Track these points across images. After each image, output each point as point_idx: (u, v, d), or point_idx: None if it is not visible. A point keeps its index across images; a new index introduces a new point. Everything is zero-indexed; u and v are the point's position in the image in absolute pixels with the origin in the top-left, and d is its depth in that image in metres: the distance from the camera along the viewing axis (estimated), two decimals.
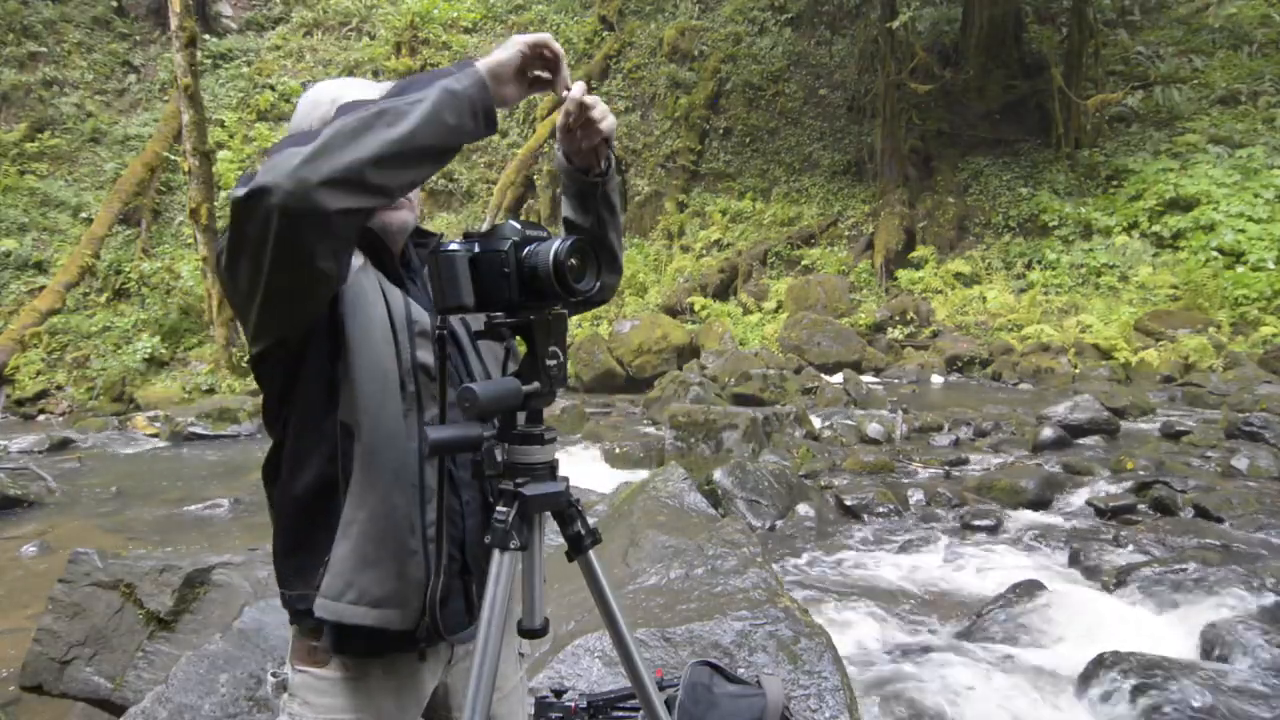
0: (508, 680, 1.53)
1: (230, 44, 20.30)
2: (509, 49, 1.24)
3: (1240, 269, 12.22)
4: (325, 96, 1.41)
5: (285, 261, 1.16)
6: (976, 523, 5.51)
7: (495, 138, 18.26)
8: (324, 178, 1.12)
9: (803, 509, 5.72)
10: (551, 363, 1.26)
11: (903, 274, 14.41)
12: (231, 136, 18.41)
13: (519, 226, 1.25)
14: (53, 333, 14.40)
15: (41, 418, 12.99)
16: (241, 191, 1.13)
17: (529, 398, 1.25)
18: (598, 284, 1.26)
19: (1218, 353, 10.71)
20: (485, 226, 1.29)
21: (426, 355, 1.36)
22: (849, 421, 8.35)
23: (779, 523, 5.63)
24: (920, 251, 14.62)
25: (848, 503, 5.90)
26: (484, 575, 1.30)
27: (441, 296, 1.24)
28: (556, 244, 1.21)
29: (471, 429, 1.22)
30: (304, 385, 1.32)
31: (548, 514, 1.34)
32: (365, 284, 1.34)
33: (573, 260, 1.21)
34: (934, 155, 16.31)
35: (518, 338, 1.31)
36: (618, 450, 7.74)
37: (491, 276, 1.22)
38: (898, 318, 13.33)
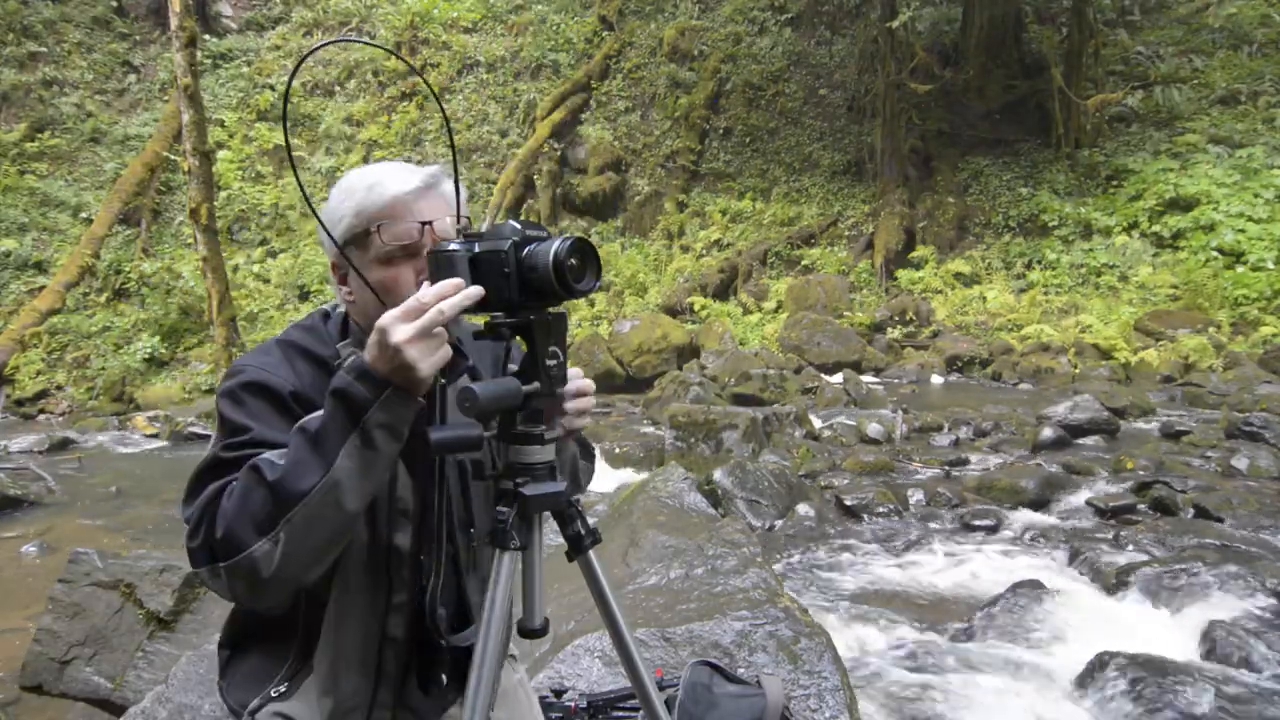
0: (502, 682, 1.52)
1: (230, 44, 20.30)
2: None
3: (1240, 269, 12.22)
4: (360, 184, 1.33)
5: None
6: (976, 523, 5.51)
7: (495, 137, 18.27)
8: (296, 575, 1.12)
9: (803, 509, 5.72)
10: (551, 363, 1.26)
11: (903, 274, 14.41)
12: (231, 136, 18.41)
13: (518, 226, 1.25)
14: (53, 333, 14.41)
15: (41, 418, 12.99)
16: (217, 589, 1.14)
17: (528, 398, 1.25)
18: (597, 284, 1.26)
19: (1218, 353, 10.71)
20: (485, 226, 1.27)
21: (404, 540, 1.32)
22: (849, 421, 8.34)
23: (779, 523, 5.63)
24: (920, 251, 14.62)
25: (848, 503, 5.90)
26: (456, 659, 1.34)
27: None
28: (556, 244, 1.21)
29: (472, 429, 1.22)
30: None
31: (548, 514, 1.34)
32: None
33: (572, 260, 1.21)
34: (934, 155, 16.31)
35: (517, 338, 1.31)
36: (618, 450, 7.74)
37: (491, 276, 1.22)
38: (898, 318, 13.32)
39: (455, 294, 1.12)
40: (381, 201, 1.29)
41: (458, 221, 1.29)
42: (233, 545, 1.09)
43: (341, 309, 1.41)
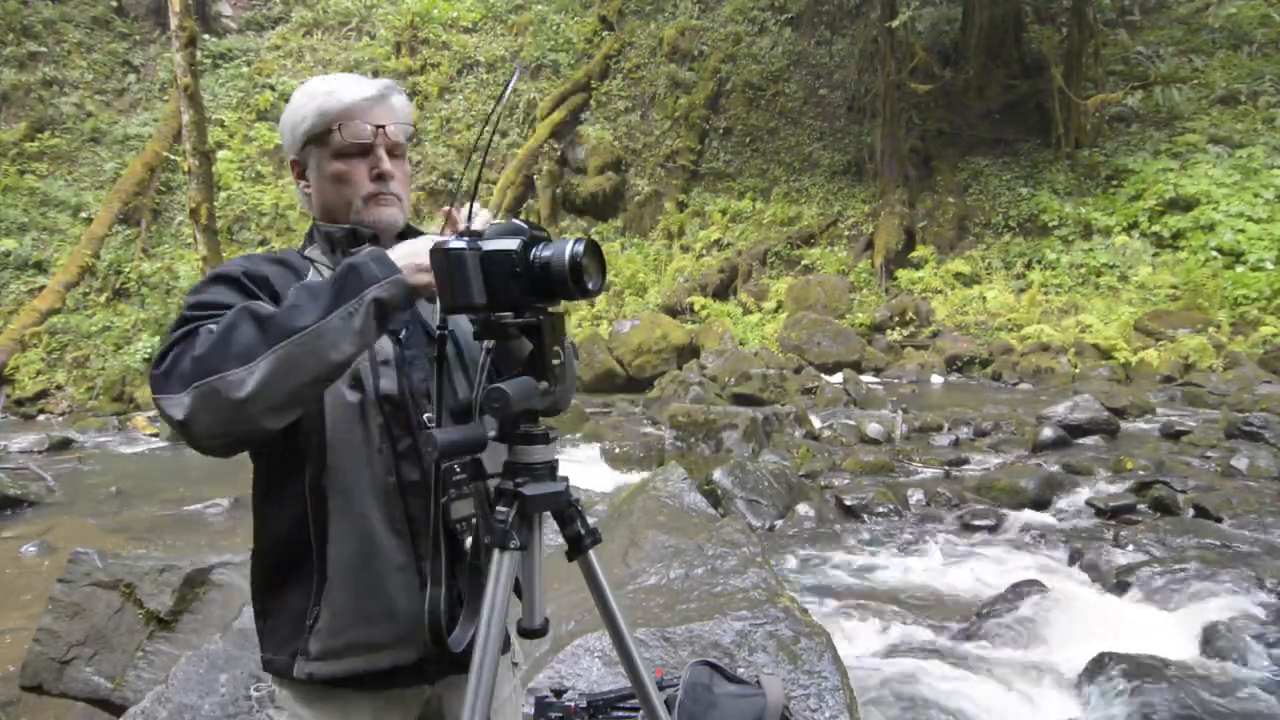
0: (499, 691, 1.47)
1: (230, 44, 20.31)
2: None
3: (1240, 269, 12.22)
4: (322, 89, 1.43)
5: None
6: (976, 523, 5.51)
7: (495, 137, 18.28)
8: (263, 411, 1.15)
9: (803, 509, 5.72)
10: (555, 362, 1.27)
11: (903, 274, 14.41)
12: (231, 136, 18.41)
13: (524, 225, 1.25)
14: (53, 333, 14.41)
15: (41, 418, 12.99)
16: (176, 414, 1.14)
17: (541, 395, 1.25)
18: (603, 283, 1.27)
19: (1218, 353, 10.71)
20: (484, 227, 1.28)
21: (390, 384, 1.35)
22: (849, 421, 8.34)
23: (779, 523, 5.63)
24: (920, 251, 14.62)
25: (848, 503, 5.90)
26: (471, 590, 1.29)
27: (451, 295, 1.22)
28: (570, 244, 1.21)
29: (475, 430, 1.22)
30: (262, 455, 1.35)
31: (548, 514, 1.34)
32: None
33: (585, 259, 1.21)
34: (934, 155, 16.31)
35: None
36: (618, 450, 7.74)
37: (501, 276, 1.21)
38: (898, 318, 13.32)
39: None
40: (342, 104, 1.41)
41: (469, 221, 1.29)
42: (208, 368, 1.12)
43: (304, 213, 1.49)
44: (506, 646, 1.47)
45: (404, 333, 1.39)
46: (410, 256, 1.21)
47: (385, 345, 1.36)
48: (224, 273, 1.33)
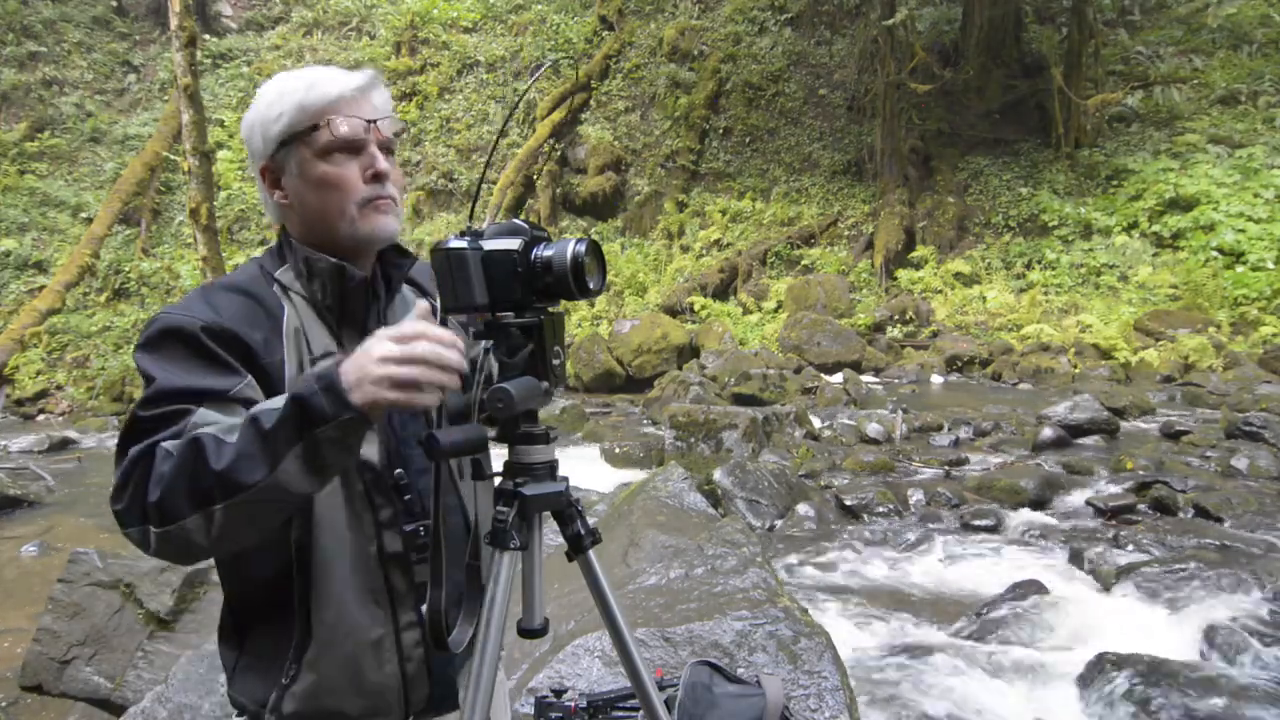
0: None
1: (230, 44, 20.31)
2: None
3: (1240, 269, 12.22)
4: (299, 83, 1.28)
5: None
6: (976, 522, 5.51)
7: (495, 137, 18.27)
8: (228, 548, 1.12)
9: (803, 509, 5.72)
10: (555, 362, 1.27)
11: (902, 274, 14.41)
12: (231, 136, 18.38)
13: (525, 225, 1.25)
14: (53, 332, 14.40)
15: (41, 418, 12.99)
16: (144, 549, 1.09)
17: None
18: (604, 284, 1.27)
19: (1217, 353, 10.71)
20: (485, 226, 1.27)
21: (370, 450, 1.24)
22: (849, 421, 8.34)
23: (779, 523, 5.63)
24: (920, 251, 14.62)
25: (848, 503, 5.90)
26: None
27: (453, 296, 1.21)
28: (572, 244, 1.21)
29: (476, 430, 1.22)
30: None
31: (548, 514, 1.34)
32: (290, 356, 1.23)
33: (587, 259, 1.21)
34: (934, 155, 16.31)
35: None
36: (618, 450, 7.74)
37: (502, 276, 1.21)
38: (898, 318, 13.32)
39: (453, 353, 1.05)
40: (328, 97, 1.26)
41: (470, 220, 1.29)
42: (166, 514, 1.05)
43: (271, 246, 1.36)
44: None
45: None
46: (362, 372, 1.02)
47: None
48: (180, 326, 1.17)
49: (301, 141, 1.27)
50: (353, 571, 1.24)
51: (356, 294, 1.30)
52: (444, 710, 1.37)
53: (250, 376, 1.18)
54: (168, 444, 1.07)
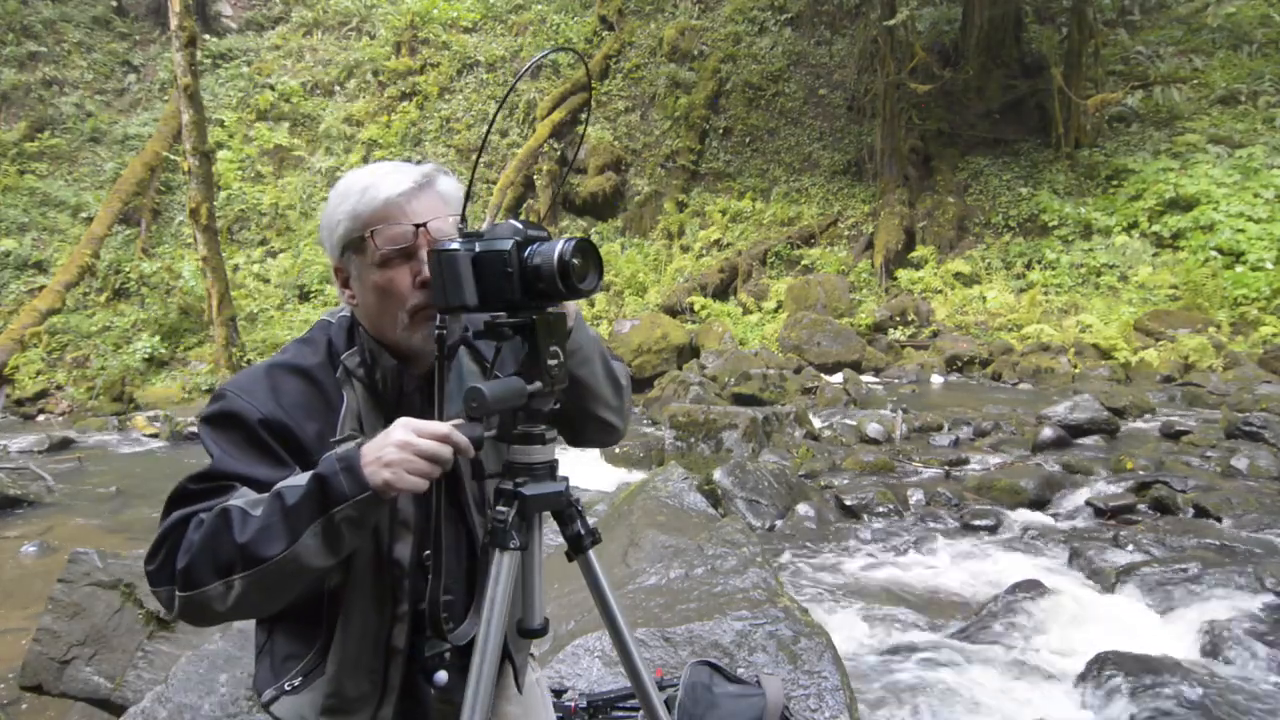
0: (526, 676, 1.54)
1: (230, 44, 20.30)
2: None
3: (1240, 269, 12.21)
4: (355, 188, 1.31)
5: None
6: (976, 523, 5.51)
7: (495, 137, 18.28)
8: (246, 616, 1.24)
9: (803, 509, 5.72)
10: (552, 362, 1.26)
11: (903, 274, 14.41)
12: (231, 136, 18.41)
13: (520, 226, 1.25)
14: (53, 332, 14.41)
15: (41, 418, 12.99)
16: (168, 610, 1.21)
17: (531, 397, 1.25)
18: (599, 283, 1.27)
19: (1217, 353, 10.71)
20: (485, 226, 1.27)
21: (403, 550, 1.33)
22: (849, 421, 8.34)
23: (779, 523, 5.63)
24: (920, 251, 14.62)
25: (848, 503, 5.90)
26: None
27: (443, 296, 1.23)
28: (560, 244, 1.21)
29: (473, 429, 1.22)
30: None
31: (547, 514, 1.34)
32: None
33: (575, 260, 1.21)
34: (934, 155, 16.30)
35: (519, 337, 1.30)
36: (618, 450, 7.73)
37: (494, 276, 1.22)
38: (898, 318, 13.32)
39: (466, 445, 1.17)
40: (375, 205, 1.28)
41: (462, 221, 1.29)
42: (191, 580, 1.15)
43: (346, 312, 1.41)
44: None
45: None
46: (377, 454, 1.14)
47: (406, 503, 1.32)
48: (241, 415, 1.25)
49: (357, 250, 1.31)
50: (367, 648, 1.33)
51: (414, 396, 1.36)
52: None
53: (298, 468, 1.25)
54: (204, 514, 1.17)
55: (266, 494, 1.17)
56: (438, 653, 1.34)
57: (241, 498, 1.18)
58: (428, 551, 1.33)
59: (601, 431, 1.48)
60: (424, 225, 1.29)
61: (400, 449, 1.13)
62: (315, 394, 1.30)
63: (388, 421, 1.28)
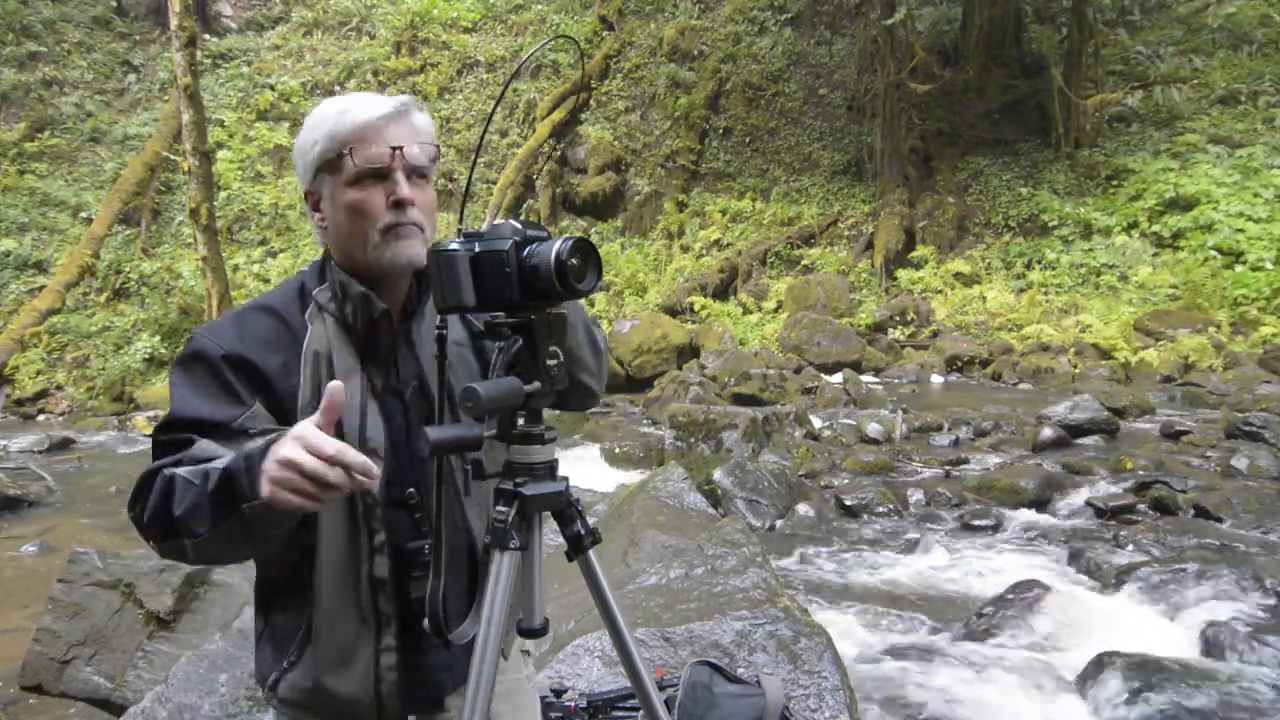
0: (515, 672, 1.54)
1: (230, 44, 20.30)
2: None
3: (1239, 269, 12.21)
4: (332, 111, 1.32)
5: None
6: (976, 523, 5.51)
7: (495, 137, 18.29)
8: (212, 563, 1.25)
9: (803, 509, 5.72)
10: (552, 362, 1.26)
11: (903, 274, 14.41)
12: (231, 136, 18.40)
13: (519, 226, 1.25)
14: (52, 332, 14.40)
15: (41, 418, 12.99)
16: (155, 551, 1.23)
17: (530, 397, 1.25)
18: (598, 283, 1.27)
19: (1217, 353, 10.71)
20: (485, 226, 1.28)
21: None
22: (849, 421, 8.34)
23: (779, 522, 5.63)
24: (920, 251, 14.62)
25: (848, 502, 5.90)
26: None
27: (441, 296, 1.24)
28: (558, 244, 1.21)
29: (472, 428, 1.22)
30: None
31: (547, 514, 1.34)
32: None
33: (574, 260, 1.21)
34: (934, 155, 16.31)
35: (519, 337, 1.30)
36: (618, 450, 7.74)
37: (492, 276, 1.22)
38: (898, 318, 13.32)
39: (362, 466, 1.06)
40: (352, 126, 1.30)
41: (460, 221, 1.29)
42: (156, 534, 1.19)
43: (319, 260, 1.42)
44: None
45: (407, 398, 1.35)
46: (274, 458, 1.05)
47: (377, 432, 1.31)
48: (204, 352, 1.26)
49: (332, 169, 1.32)
50: (342, 588, 1.31)
51: (383, 323, 1.35)
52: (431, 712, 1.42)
53: (257, 404, 1.26)
54: (166, 472, 1.17)
55: (214, 456, 1.16)
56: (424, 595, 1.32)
57: (201, 453, 1.18)
58: (411, 489, 1.33)
59: (584, 396, 1.51)
60: (399, 149, 1.30)
61: (282, 466, 1.05)
62: (282, 329, 1.31)
63: (359, 352, 1.33)
